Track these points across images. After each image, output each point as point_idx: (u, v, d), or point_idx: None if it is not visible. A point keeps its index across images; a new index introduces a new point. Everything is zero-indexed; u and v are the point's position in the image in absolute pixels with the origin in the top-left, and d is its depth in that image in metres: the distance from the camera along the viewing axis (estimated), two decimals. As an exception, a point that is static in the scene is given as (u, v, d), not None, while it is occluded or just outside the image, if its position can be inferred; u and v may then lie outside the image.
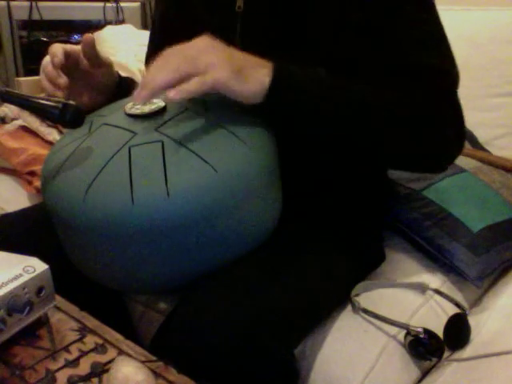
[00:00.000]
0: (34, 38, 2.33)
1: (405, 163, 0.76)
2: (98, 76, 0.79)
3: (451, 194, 1.01)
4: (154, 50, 0.95)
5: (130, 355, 0.56)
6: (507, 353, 0.73)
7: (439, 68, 0.71)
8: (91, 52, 0.76)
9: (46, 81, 0.73)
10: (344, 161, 0.78)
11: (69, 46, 0.75)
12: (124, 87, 0.84)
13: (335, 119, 0.67)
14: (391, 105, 0.69)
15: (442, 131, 0.72)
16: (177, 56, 0.62)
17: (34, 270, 0.57)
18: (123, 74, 0.88)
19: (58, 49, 0.72)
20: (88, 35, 0.75)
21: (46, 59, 0.77)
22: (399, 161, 0.75)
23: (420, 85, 0.70)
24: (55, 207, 0.65)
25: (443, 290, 0.90)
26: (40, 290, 0.58)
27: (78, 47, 0.76)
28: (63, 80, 0.72)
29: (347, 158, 0.77)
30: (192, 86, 0.60)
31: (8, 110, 1.53)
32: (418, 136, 0.70)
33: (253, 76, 0.63)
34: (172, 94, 0.59)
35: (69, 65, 0.74)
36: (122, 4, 2.44)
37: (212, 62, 0.61)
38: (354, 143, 0.70)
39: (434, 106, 0.71)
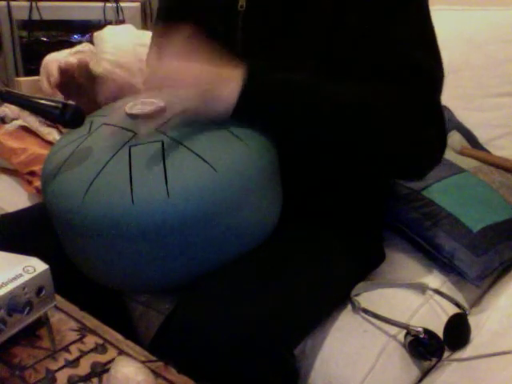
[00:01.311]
0: (33, 38, 2.33)
1: (385, 166, 0.74)
2: (94, 88, 0.79)
3: (451, 194, 1.01)
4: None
5: (130, 355, 0.56)
6: (507, 353, 0.73)
7: (422, 66, 0.71)
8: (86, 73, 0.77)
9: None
10: (344, 161, 0.78)
11: (63, 63, 0.75)
12: None
13: (307, 120, 0.67)
14: (368, 103, 0.68)
15: (423, 131, 0.71)
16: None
17: (34, 270, 0.57)
18: (123, 74, 0.88)
19: (53, 67, 0.73)
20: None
21: (46, 59, 0.77)
22: (378, 163, 0.73)
23: (401, 83, 0.69)
24: (55, 207, 0.65)
25: (443, 290, 0.90)
26: (40, 290, 0.58)
27: (73, 61, 0.76)
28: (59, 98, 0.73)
29: (346, 159, 0.77)
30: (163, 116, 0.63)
31: (8, 109, 1.52)
32: (398, 136, 0.69)
33: (220, 97, 0.64)
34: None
35: (65, 80, 0.75)
36: (122, 4, 2.44)
37: (177, 89, 0.63)
38: (331, 143, 0.70)
39: (414, 104, 0.70)
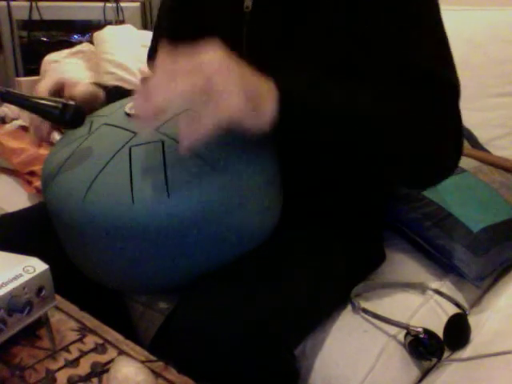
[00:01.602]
0: (34, 38, 2.33)
1: (400, 173, 0.73)
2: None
3: (451, 194, 1.01)
4: (157, 47, 0.95)
5: (130, 355, 0.56)
6: (507, 353, 0.73)
7: (445, 79, 0.70)
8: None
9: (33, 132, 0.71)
10: (345, 161, 0.78)
11: (50, 84, 0.72)
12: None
13: (339, 132, 0.64)
14: (395, 115, 0.67)
15: (442, 144, 0.70)
16: (185, 76, 0.52)
17: (34, 270, 0.57)
18: (123, 74, 0.88)
19: (42, 92, 0.71)
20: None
21: (46, 59, 0.77)
22: (395, 170, 0.72)
23: (425, 95, 0.68)
24: (55, 207, 0.65)
25: (443, 290, 0.90)
26: (40, 289, 0.58)
27: (60, 79, 0.74)
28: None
29: (348, 159, 0.77)
30: (206, 130, 0.52)
31: (8, 109, 1.53)
32: (419, 146, 0.68)
33: (263, 109, 0.56)
34: (185, 146, 0.53)
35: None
36: (122, 4, 2.44)
37: (227, 91, 0.52)
38: (356, 150, 0.67)
39: (438, 117, 0.69)
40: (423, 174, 0.72)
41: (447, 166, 0.72)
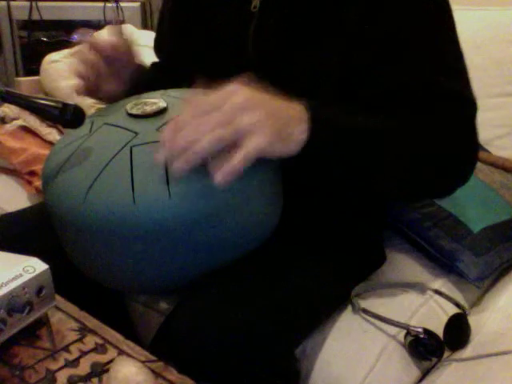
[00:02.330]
0: (34, 38, 2.33)
1: (414, 191, 0.73)
2: (120, 61, 0.78)
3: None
4: (162, 43, 0.95)
5: (130, 355, 0.56)
6: (507, 353, 0.73)
7: (463, 96, 0.70)
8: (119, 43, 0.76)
9: (78, 60, 0.74)
10: (372, 187, 0.76)
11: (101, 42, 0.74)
12: (139, 76, 0.82)
13: (367, 161, 0.65)
14: (417, 139, 0.67)
15: (458, 164, 0.70)
16: (213, 114, 0.55)
17: (34, 270, 0.57)
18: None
19: (84, 50, 0.72)
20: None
21: (46, 59, 0.77)
22: (408, 188, 0.72)
23: (446, 113, 0.68)
24: (56, 207, 0.65)
25: (443, 290, 0.90)
26: (40, 290, 0.58)
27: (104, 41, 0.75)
28: (94, 57, 0.72)
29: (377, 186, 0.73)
30: (237, 164, 0.54)
31: (8, 109, 1.52)
32: (436, 166, 0.68)
33: (292, 136, 0.58)
34: (220, 179, 0.54)
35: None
36: (122, 4, 2.44)
37: (253, 125, 0.54)
38: (377, 176, 0.67)
39: (457, 135, 0.69)
40: (438, 187, 0.72)
41: (462, 179, 0.73)
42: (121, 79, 0.79)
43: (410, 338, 0.76)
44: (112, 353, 0.57)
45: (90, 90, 0.76)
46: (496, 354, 0.74)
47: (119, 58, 0.77)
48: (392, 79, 0.69)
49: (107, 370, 0.54)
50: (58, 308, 0.63)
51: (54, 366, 0.55)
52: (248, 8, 0.76)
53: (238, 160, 0.53)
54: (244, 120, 0.54)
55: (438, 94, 0.68)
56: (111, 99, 0.79)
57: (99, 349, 0.57)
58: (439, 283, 0.92)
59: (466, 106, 0.70)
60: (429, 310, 0.85)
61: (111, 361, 0.55)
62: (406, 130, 0.67)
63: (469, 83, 0.72)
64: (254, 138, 0.54)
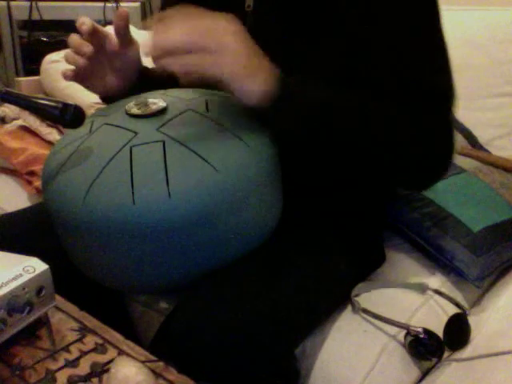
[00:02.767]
0: (33, 38, 2.33)
1: (389, 175, 0.75)
2: (123, 58, 0.77)
3: (451, 194, 1.01)
4: None
5: (130, 355, 0.56)
6: (507, 353, 0.73)
7: (438, 86, 0.70)
8: (124, 27, 0.74)
9: (71, 52, 0.72)
10: (341, 163, 0.77)
11: (96, 24, 0.74)
12: (144, 77, 0.82)
13: (335, 128, 0.66)
14: (391, 119, 0.68)
15: (432, 149, 0.71)
16: (195, 23, 0.58)
17: (34, 270, 0.57)
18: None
19: (86, 19, 0.71)
20: (123, 9, 0.73)
21: (46, 59, 0.77)
22: (385, 173, 0.74)
23: (419, 102, 0.69)
24: (56, 207, 0.65)
25: (443, 290, 0.90)
26: (40, 289, 0.58)
27: (103, 29, 0.75)
28: (88, 48, 0.71)
29: (343, 161, 0.76)
30: (200, 65, 0.58)
31: (8, 110, 1.52)
32: (410, 152, 0.69)
33: (254, 83, 0.61)
34: (177, 65, 0.57)
35: (94, 43, 0.73)
36: (122, 4, 2.44)
37: (230, 47, 0.58)
38: (350, 152, 0.69)
39: (430, 125, 0.70)
40: (415, 177, 0.74)
41: (438, 169, 0.74)
42: (121, 75, 0.79)
43: (409, 338, 0.76)
44: (112, 353, 0.57)
45: (79, 76, 0.74)
46: (496, 354, 0.73)
47: (120, 52, 0.76)
48: (381, 75, 0.70)
49: (107, 370, 0.54)
50: (58, 308, 0.63)
51: (53, 366, 0.55)
52: (242, 8, 0.76)
53: (203, 61, 0.57)
54: (223, 38, 0.58)
55: (424, 88, 0.69)
56: (108, 94, 0.79)
57: (99, 349, 0.57)
58: (439, 283, 0.92)
59: (447, 99, 0.72)
60: (429, 310, 0.85)
61: (111, 361, 0.55)
62: (382, 113, 0.68)
63: (445, 73, 0.72)
64: (226, 57, 0.58)
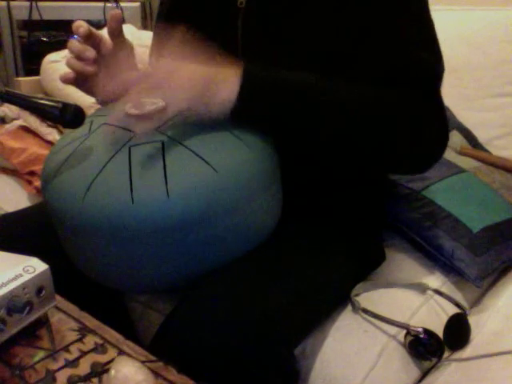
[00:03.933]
0: (33, 38, 2.32)
1: (385, 162, 0.75)
2: (117, 59, 0.76)
3: (451, 194, 1.01)
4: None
5: (130, 355, 0.56)
6: (507, 353, 0.73)
7: (423, 66, 0.71)
8: (117, 29, 0.74)
9: (73, 58, 0.71)
10: (343, 158, 0.78)
11: (91, 27, 0.73)
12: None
13: (306, 119, 0.67)
14: (369, 102, 0.69)
15: (425, 129, 0.71)
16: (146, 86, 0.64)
17: (34, 270, 0.57)
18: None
19: (82, 22, 0.71)
20: (116, 11, 0.73)
21: (46, 59, 0.77)
22: (378, 160, 0.74)
23: (403, 82, 0.70)
24: (55, 207, 0.65)
25: (443, 290, 0.90)
26: (40, 290, 0.58)
27: (98, 32, 0.74)
28: (91, 53, 0.70)
29: (345, 156, 0.76)
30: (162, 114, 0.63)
31: (8, 110, 1.52)
32: (398, 134, 0.70)
33: (215, 98, 0.64)
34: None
35: (90, 46, 0.72)
36: (122, 4, 2.44)
37: (173, 90, 0.63)
38: (331, 142, 0.69)
39: (416, 103, 0.70)
40: (407, 160, 0.74)
41: (432, 152, 0.74)
42: (117, 80, 0.79)
43: (409, 338, 0.76)
44: (112, 353, 0.57)
45: (77, 81, 0.74)
46: (496, 354, 0.74)
47: (114, 53, 0.76)
48: (362, 59, 0.71)
49: (107, 370, 0.54)
50: (58, 308, 0.63)
51: (54, 366, 0.55)
52: (235, 4, 0.76)
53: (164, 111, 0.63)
54: (166, 85, 0.63)
55: (402, 65, 0.70)
56: (104, 97, 0.79)
57: (99, 349, 0.57)
58: (439, 283, 0.92)
59: (430, 75, 0.72)
60: (429, 310, 0.85)
61: (111, 361, 0.55)
62: (358, 93, 0.69)
63: (437, 53, 0.73)
64: (174, 101, 0.62)
